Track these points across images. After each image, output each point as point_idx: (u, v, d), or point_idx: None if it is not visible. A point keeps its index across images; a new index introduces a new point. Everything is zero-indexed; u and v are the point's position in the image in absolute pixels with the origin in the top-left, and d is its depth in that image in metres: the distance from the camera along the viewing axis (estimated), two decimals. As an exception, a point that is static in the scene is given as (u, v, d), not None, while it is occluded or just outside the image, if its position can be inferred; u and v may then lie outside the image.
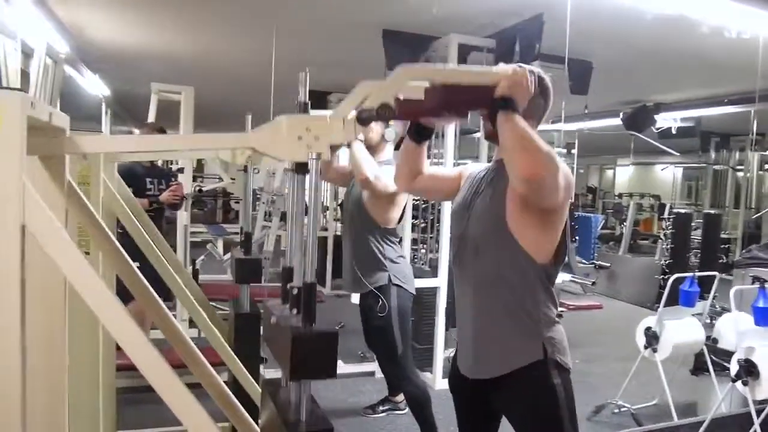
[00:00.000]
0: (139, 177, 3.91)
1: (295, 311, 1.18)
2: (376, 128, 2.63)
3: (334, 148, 1.17)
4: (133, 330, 0.99)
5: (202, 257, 7.08)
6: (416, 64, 1.39)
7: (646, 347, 3.44)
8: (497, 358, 1.60)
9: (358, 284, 2.70)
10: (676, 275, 3.40)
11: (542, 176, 1.37)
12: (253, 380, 2.17)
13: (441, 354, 3.98)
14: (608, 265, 6.92)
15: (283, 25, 4.22)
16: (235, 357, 2.26)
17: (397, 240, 2.78)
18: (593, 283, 5.61)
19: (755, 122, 5.43)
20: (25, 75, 4.11)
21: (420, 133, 1.65)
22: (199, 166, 11.59)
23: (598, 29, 4.06)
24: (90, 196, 2.17)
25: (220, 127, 1.12)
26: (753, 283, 3.22)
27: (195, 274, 5.29)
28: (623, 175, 15.50)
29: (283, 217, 6.66)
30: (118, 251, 1.47)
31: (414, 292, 2.81)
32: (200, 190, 7.28)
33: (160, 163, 4.56)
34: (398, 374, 2.84)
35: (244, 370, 2.21)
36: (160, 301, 1.50)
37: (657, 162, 13.84)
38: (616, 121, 6.82)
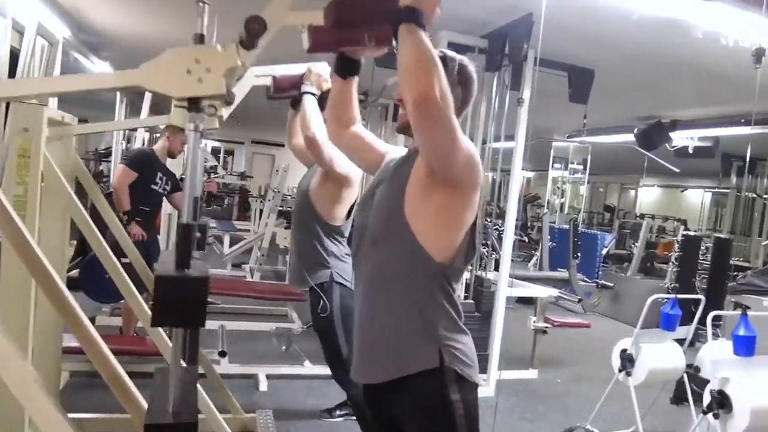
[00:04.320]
0: (154, 168, 3.88)
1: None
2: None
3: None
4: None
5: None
6: None
7: (620, 370, 3.23)
8: (383, 360, 1.43)
9: (302, 279, 2.59)
10: (655, 295, 3.18)
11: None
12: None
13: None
14: (611, 285, 6.65)
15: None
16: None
17: (344, 239, 2.64)
18: (579, 300, 5.38)
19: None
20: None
21: (343, 65, 1.54)
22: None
23: (603, 35, 3.85)
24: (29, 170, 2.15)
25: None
26: (734, 309, 3.00)
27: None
28: (649, 196, 15.09)
29: (280, 214, 6.61)
30: (21, 235, 1.32)
31: None
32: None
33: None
34: (341, 376, 2.71)
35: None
36: (64, 290, 1.34)
37: (682, 185, 13.45)
38: (631, 137, 6.57)
